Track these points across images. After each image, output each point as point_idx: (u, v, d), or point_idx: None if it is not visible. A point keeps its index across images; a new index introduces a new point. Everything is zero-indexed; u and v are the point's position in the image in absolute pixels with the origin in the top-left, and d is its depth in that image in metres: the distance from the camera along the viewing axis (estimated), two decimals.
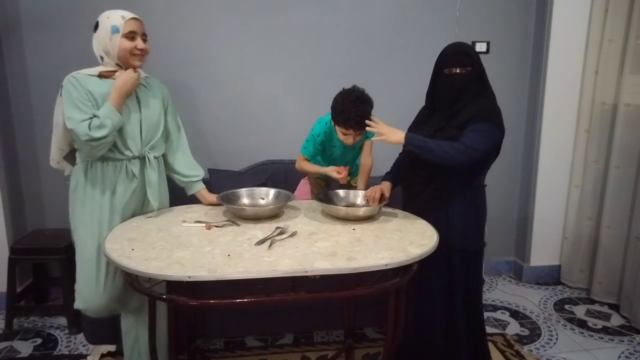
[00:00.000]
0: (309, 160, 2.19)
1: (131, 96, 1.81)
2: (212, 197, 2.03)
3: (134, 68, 1.79)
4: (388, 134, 1.74)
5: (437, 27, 2.85)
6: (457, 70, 1.74)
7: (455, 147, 1.67)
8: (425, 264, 1.82)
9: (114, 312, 1.91)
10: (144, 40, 1.79)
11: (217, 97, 2.76)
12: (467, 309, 1.89)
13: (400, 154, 2.05)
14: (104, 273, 1.78)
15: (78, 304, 1.82)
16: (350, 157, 2.21)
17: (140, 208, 1.91)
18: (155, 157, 1.88)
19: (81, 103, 1.69)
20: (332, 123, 2.03)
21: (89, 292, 1.79)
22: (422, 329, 1.92)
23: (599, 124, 2.81)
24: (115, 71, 1.78)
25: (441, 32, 2.83)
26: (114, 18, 1.73)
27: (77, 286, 1.83)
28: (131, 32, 1.74)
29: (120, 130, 1.76)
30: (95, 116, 1.69)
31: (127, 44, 1.74)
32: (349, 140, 1.98)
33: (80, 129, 1.66)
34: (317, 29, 2.77)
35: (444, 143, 1.69)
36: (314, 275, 1.70)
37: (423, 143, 1.69)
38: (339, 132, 1.99)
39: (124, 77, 1.74)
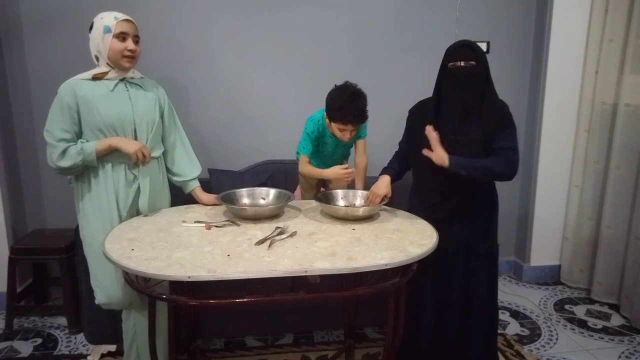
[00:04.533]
0: (310, 161, 2.18)
1: (123, 96, 1.82)
2: (206, 197, 2.03)
3: (125, 69, 1.81)
4: (435, 153, 1.71)
5: (437, 27, 2.85)
6: (461, 64, 1.72)
7: (497, 164, 1.70)
8: (443, 267, 1.83)
9: (133, 305, 1.90)
10: (136, 42, 1.82)
11: (217, 97, 2.76)
12: (487, 310, 1.89)
13: (396, 152, 2.05)
14: None
15: (100, 299, 1.84)
16: (340, 154, 2.22)
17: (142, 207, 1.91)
18: (153, 157, 1.89)
19: (61, 123, 1.75)
20: (324, 120, 2.03)
21: (111, 285, 1.80)
22: (438, 329, 1.92)
23: (599, 124, 2.81)
24: (107, 72, 1.80)
25: (441, 32, 2.83)
26: (107, 19, 1.77)
27: (95, 282, 1.84)
28: (122, 33, 1.77)
29: (114, 133, 1.79)
30: (69, 142, 1.75)
31: (118, 45, 1.76)
32: (345, 135, 1.98)
33: (54, 146, 1.75)
34: (318, 29, 2.77)
35: (491, 161, 1.70)
36: (314, 279, 1.71)
37: (468, 167, 1.69)
38: (336, 128, 1.98)
39: (132, 143, 1.78)
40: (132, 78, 1.88)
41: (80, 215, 1.86)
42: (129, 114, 1.82)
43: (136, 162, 1.80)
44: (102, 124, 1.77)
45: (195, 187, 2.05)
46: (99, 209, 1.82)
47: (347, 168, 2.01)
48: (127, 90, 1.84)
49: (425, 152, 1.74)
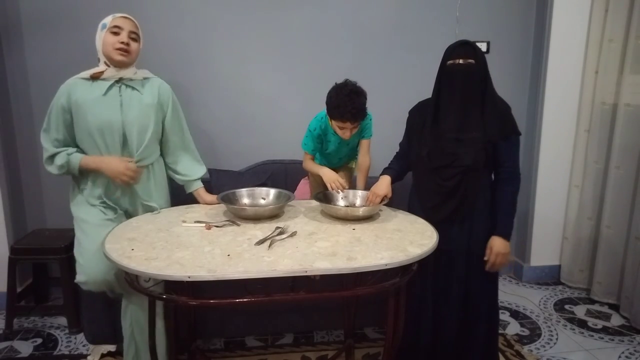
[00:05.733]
0: (313, 159, 2.21)
1: (114, 102, 1.81)
2: (209, 197, 2.04)
3: (119, 64, 1.80)
4: (502, 257, 1.80)
5: (437, 27, 2.85)
6: (460, 61, 1.73)
7: (516, 187, 1.80)
8: (444, 268, 1.84)
9: (112, 289, 1.88)
10: (134, 40, 1.81)
11: (217, 97, 2.76)
12: (487, 311, 1.89)
13: (397, 152, 2.05)
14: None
15: (79, 278, 1.83)
16: (344, 153, 2.22)
17: (135, 209, 1.92)
18: (144, 166, 1.90)
19: (56, 124, 1.79)
20: (327, 118, 2.04)
21: (92, 263, 1.79)
22: (438, 330, 1.91)
23: (599, 124, 2.81)
24: (104, 71, 1.80)
25: (441, 31, 2.83)
26: (106, 18, 1.79)
27: (77, 262, 1.84)
28: (116, 26, 1.77)
29: (101, 140, 1.80)
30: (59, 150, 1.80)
31: (110, 38, 1.77)
32: (345, 134, 1.99)
33: (45, 149, 1.80)
34: (318, 28, 2.77)
35: (510, 193, 1.80)
36: (314, 276, 1.70)
37: (512, 219, 1.81)
38: (336, 126, 1.99)
39: (114, 167, 1.78)
40: (131, 80, 1.85)
41: (73, 210, 1.90)
42: (118, 121, 1.81)
43: (123, 183, 1.81)
44: (91, 128, 1.78)
45: (198, 188, 2.05)
46: (88, 206, 1.85)
47: (343, 180, 2.04)
48: (120, 96, 1.82)
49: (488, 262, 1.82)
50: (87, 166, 1.80)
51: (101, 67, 1.80)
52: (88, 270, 1.80)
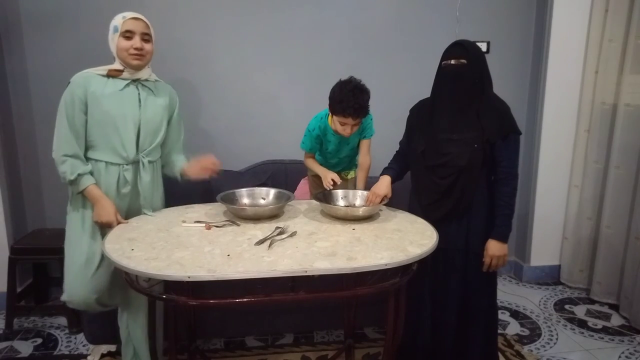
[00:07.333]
0: (314, 157, 2.23)
1: (132, 97, 1.81)
2: (200, 162, 1.97)
3: (135, 67, 1.79)
4: (497, 260, 1.80)
5: (437, 27, 2.85)
6: (452, 62, 1.74)
7: (511, 187, 1.77)
8: (442, 267, 1.84)
9: (102, 305, 1.88)
10: (146, 41, 1.80)
11: (217, 97, 2.76)
12: (486, 310, 1.89)
13: (397, 151, 2.05)
14: (95, 266, 1.78)
15: (64, 297, 1.82)
16: (344, 154, 2.22)
17: (133, 210, 1.91)
18: (150, 162, 1.89)
19: (72, 115, 1.74)
20: (327, 118, 2.05)
21: (76, 284, 1.78)
22: (436, 329, 1.91)
23: (599, 124, 2.81)
24: (122, 71, 1.80)
25: (441, 31, 2.83)
26: (117, 18, 1.78)
27: (64, 279, 1.83)
28: (128, 31, 1.76)
29: (117, 133, 1.78)
30: (77, 155, 1.76)
31: (124, 44, 1.76)
32: (346, 130, 1.99)
33: (55, 150, 1.75)
34: (318, 28, 2.77)
35: (505, 194, 1.77)
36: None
37: (509, 221, 1.79)
38: (337, 123, 1.99)
39: (106, 214, 1.75)
40: (147, 80, 1.86)
41: (67, 215, 1.87)
42: (136, 116, 1.81)
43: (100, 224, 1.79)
44: (107, 121, 1.76)
45: (183, 166, 2.00)
46: (83, 211, 1.82)
47: (335, 182, 2.05)
48: (138, 93, 1.83)
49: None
50: (88, 193, 1.77)
51: (118, 65, 1.80)
52: (70, 290, 1.80)
